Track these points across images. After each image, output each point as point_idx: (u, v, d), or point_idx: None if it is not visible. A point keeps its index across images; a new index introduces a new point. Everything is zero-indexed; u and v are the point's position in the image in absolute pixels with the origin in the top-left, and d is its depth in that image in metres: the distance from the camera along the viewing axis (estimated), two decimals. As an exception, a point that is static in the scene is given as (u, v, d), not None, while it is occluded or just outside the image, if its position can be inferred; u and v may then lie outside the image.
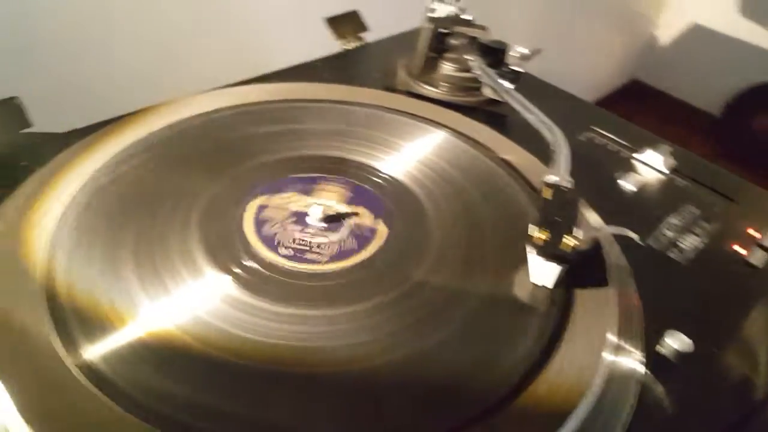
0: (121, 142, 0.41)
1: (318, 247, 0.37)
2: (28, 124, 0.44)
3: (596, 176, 0.49)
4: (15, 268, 0.32)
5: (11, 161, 0.42)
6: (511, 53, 0.57)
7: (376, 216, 0.39)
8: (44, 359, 0.28)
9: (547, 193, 0.37)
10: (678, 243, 0.43)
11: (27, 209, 0.35)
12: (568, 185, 0.38)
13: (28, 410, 0.26)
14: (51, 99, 0.55)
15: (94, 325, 0.30)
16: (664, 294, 0.39)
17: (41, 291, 0.31)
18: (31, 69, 0.64)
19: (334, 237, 0.37)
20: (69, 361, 0.28)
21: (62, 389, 0.27)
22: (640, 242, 0.36)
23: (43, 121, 0.45)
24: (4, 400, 0.26)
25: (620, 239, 0.39)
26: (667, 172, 0.50)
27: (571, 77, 1.15)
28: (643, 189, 0.48)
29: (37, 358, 0.28)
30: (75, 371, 0.27)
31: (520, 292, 0.35)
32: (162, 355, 0.29)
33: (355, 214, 0.39)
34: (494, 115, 0.55)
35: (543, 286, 0.35)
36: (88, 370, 0.28)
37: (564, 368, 0.30)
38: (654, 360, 0.34)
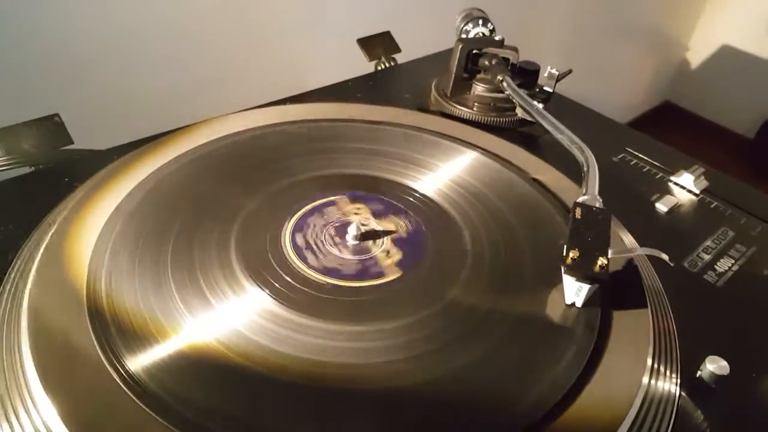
0: (159, 160, 0.42)
1: (354, 263, 0.37)
2: (69, 141, 0.46)
3: (630, 197, 0.49)
4: (58, 282, 0.33)
5: (53, 177, 0.43)
6: (541, 74, 0.57)
7: (412, 234, 0.40)
8: (87, 370, 0.28)
9: (578, 213, 0.37)
10: (714, 266, 0.42)
11: (69, 225, 0.36)
12: (598, 205, 0.38)
13: (70, 421, 0.26)
14: (92, 117, 0.57)
15: (135, 336, 0.30)
16: (700, 317, 0.38)
17: (84, 304, 0.31)
18: (72, 87, 0.67)
19: (371, 254, 0.38)
20: (111, 372, 0.28)
21: (104, 400, 0.27)
22: (671, 263, 0.35)
23: (85, 138, 0.47)
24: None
25: (655, 261, 0.39)
26: (698, 192, 0.49)
27: (601, 99, 1.15)
28: (677, 211, 0.48)
29: (80, 370, 0.28)
30: (117, 382, 0.28)
31: (555, 314, 0.34)
32: (201, 368, 0.29)
33: (392, 231, 0.40)
34: (526, 135, 0.55)
35: (577, 307, 0.34)
36: (130, 381, 0.28)
37: (601, 392, 0.30)
38: (690, 383, 0.33)
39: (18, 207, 0.40)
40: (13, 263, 0.35)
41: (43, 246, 0.34)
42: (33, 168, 0.44)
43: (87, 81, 0.68)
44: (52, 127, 0.44)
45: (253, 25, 0.83)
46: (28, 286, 0.32)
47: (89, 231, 0.36)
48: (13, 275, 0.34)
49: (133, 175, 0.41)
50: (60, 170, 0.44)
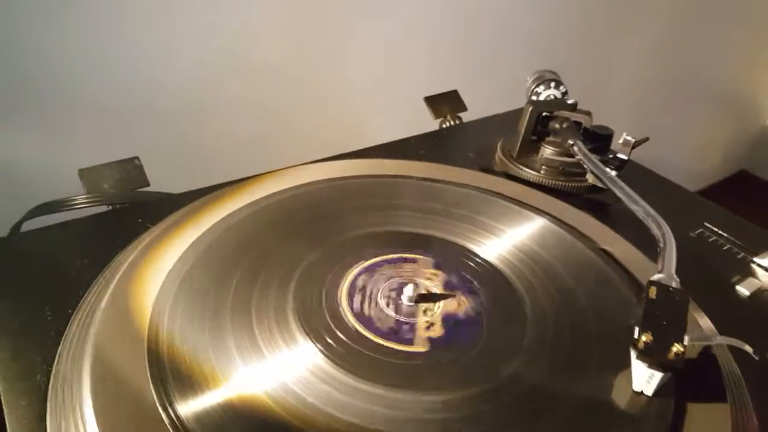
0: (227, 207, 0.43)
1: (408, 326, 0.36)
2: (146, 183, 0.48)
3: (708, 278, 0.46)
4: (122, 322, 0.34)
5: (128, 217, 0.45)
6: (615, 139, 0.56)
7: (471, 301, 0.38)
8: (139, 411, 0.29)
9: (652, 293, 0.34)
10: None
11: (139, 264, 0.38)
12: (675, 285, 0.35)
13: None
14: (169, 162, 0.59)
15: (190, 382, 0.30)
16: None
17: (145, 345, 0.32)
18: (152, 133, 0.71)
19: (426, 318, 0.37)
20: (162, 415, 0.28)
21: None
22: (755, 357, 0.32)
23: (160, 181, 0.49)
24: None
25: (735, 350, 0.36)
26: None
27: (672, 165, 1.11)
28: (761, 295, 0.44)
29: (133, 409, 0.29)
30: (167, 425, 0.28)
31: (621, 401, 0.32)
32: (247, 421, 0.29)
33: (450, 296, 0.38)
34: (596, 202, 0.53)
35: (648, 396, 0.32)
36: (179, 425, 0.28)
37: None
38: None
39: (93, 244, 0.42)
40: (83, 299, 0.36)
41: (111, 286, 0.36)
42: (110, 207, 0.46)
43: (166, 128, 0.72)
44: (131, 169, 0.46)
45: (323, 81, 0.86)
46: (95, 323, 0.33)
47: (155, 274, 0.37)
48: (82, 311, 0.36)
49: (202, 221, 0.42)
50: (135, 211, 0.45)
